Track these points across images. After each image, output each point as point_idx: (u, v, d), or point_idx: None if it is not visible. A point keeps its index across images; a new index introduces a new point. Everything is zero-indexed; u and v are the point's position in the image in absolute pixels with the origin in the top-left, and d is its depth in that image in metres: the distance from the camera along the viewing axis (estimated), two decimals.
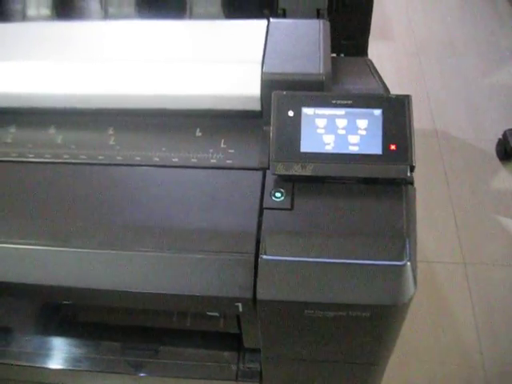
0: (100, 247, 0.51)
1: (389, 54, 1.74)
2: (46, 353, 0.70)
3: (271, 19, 0.66)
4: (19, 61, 0.64)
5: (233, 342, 0.66)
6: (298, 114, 0.54)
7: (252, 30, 0.64)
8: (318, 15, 0.78)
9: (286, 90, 0.56)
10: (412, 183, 0.53)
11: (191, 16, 0.76)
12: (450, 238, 1.29)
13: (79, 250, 0.52)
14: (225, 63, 0.60)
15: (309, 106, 0.54)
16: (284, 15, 0.78)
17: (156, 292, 0.50)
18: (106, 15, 0.78)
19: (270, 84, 0.57)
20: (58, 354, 0.70)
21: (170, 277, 0.50)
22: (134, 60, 0.62)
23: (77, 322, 0.71)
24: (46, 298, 0.58)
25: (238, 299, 0.49)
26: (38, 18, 0.79)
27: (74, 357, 0.70)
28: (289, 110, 0.54)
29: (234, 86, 0.59)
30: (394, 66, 1.70)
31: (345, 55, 0.96)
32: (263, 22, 0.65)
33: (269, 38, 0.62)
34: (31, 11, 0.79)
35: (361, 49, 0.94)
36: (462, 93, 1.63)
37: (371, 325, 0.52)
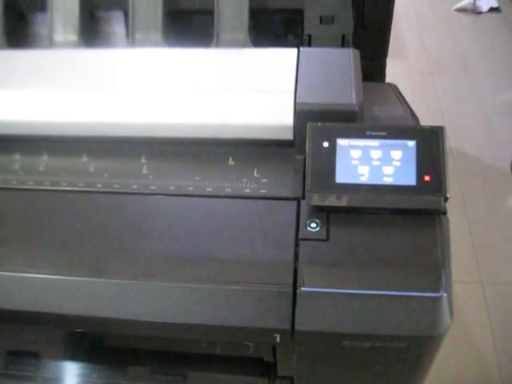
0: (137, 278, 0.51)
1: (403, 72, 1.75)
2: (74, 378, 0.70)
3: (301, 48, 0.66)
4: (50, 89, 0.64)
5: (264, 368, 0.66)
6: (333, 145, 0.54)
7: (282, 59, 0.65)
8: (343, 41, 0.78)
9: (319, 120, 0.56)
10: (445, 213, 0.54)
11: (218, 42, 0.76)
12: (467, 257, 1.29)
13: (117, 281, 0.52)
14: (257, 93, 0.61)
15: (343, 137, 0.55)
16: (309, 41, 0.79)
17: (194, 323, 0.51)
18: (132, 41, 0.78)
19: (303, 114, 0.58)
20: (86, 379, 0.71)
21: (208, 308, 0.51)
22: (166, 89, 0.62)
23: (104, 347, 0.71)
24: (84, 328, 0.58)
25: (276, 330, 0.50)
26: (65, 44, 0.80)
27: (102, 382, 0.70)
28: (324, 141, 0.55)
29: (266, 116, 0.59)
30: (409, 84, 1.71)
31: (363, 76, 0.96)
32: (293, 51, 0.66)
33: (300, 67, 0.63)
34: (58, 36, 0.80)
35: (378, 69, 0.95)
36: (476, 111, 1.64)
37: (407, 355, 0.52)
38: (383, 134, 0.55)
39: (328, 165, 0.54)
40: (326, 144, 0.55)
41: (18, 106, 0.63)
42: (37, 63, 0.70)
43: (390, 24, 0.92)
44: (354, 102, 0.58)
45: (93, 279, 0.52)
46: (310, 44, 0.79)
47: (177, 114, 0.61)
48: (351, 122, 0.57)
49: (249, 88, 0.62)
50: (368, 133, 0.55)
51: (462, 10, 2.16)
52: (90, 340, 0.72)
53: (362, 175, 0.54)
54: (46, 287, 0.54)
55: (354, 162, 0.54)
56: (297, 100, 0.58)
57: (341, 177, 0.54)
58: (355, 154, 0.55)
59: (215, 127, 0.61)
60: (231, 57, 0.69)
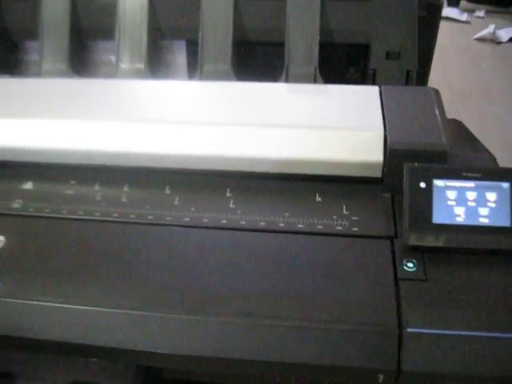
0: (237, 316, 0.52)
1: None
2: None
3: (382, 86, 0.67)
4: (130, 119, 0.65)
5: None
6: (430, 185, 0.55)
7: (365, 97, 0.66)
8: (408, 76, 0.79)
9: (409, 159, 0.57)
10: None
11: (288, 77, 0.77)
12: None
13: (215, 318, 0.52)
14: (344, 130, 0.61)
15: (440, 178, 0.55)
16: (374, 75, 0.79)
17: (297, 362, 0.51)
18: (201, 72, 0.79)
19: (394, 153, 0.58)
20: None
21: (311, 347, 0.51)
22: (252, 124, 0.63)
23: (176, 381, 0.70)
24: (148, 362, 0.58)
25: (381, 371, 0.50)
26: (132, 72, 0.80)
27: None
28: (421, 181, 0.55)
29: (355, 153, 0.60)
30: None
31: None
32: (374, 89, 0.67)
33: (385, 105, 0.63)
34: (125, 64, 0.81)
35: None
36: (501, 140, 1.65)
37: None
38: (478, 175, 0.56)
39: (425, 205, 0.54)
40: (422, 184, 0.55)
41: (107, 136, 0.63)
42: (120, 93, 0.70)
43: (432, 55, 0.93)
44: (444, 142, 0.58)
45: (191, 317, 0.52)
46: (374, 78, 0.80)
47: (265, 149, 0.61)
48: (441, 161, 0.58)
49: (335, 124, 0.62)
50: (464, 174, 0.55)
51: (482, 39, 2.18)
52: (153, 373, 0.72)
53: (458, 216, 0.55)
54: (133, 323, 0.53)
55: (450, 203, 0.55)
56: (388, 139, 0.58)
57: (438, 217, 0.54)
58: (451, 194, 0.55)
59: (303, 163, 0.61)
60: (309, 92, 0.70)
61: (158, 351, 0.52)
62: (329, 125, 0.62)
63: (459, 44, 2.12)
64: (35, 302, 0.54)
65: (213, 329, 0.52)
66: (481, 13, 2.41)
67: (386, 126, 0.60)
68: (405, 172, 0.55)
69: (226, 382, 0.67)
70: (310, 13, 0.77)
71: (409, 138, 0.59)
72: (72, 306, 0.54)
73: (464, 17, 2.37)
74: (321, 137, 0.61)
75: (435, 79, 1.98)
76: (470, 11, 2.41)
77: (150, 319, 0.52)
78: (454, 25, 2.29)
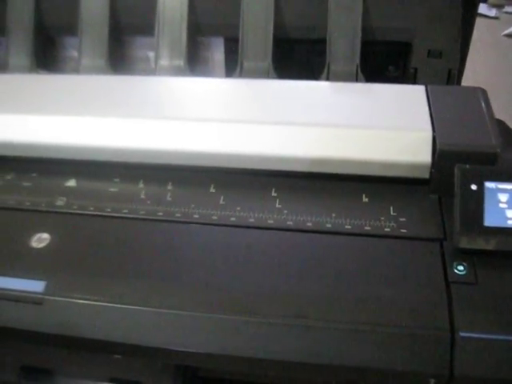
0: (290, 319, 0.51)
1: None
2: None
3: (429, 86, 0.66)
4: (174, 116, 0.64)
5: None
6: (481, 188, 0.54)
7: (410, 96, 0.65)
8: (449, 75, 0.78)
9: (459, 161, 0.56)
10: None
11: (329, 75, 0.76)
12: None
13: (269, 320, 0.51)
14: (391, 129, 0.60)
15: (491, 180, 0.55)
16: (415, 74, 0.79)
17: (349, 365, 0.50)
18: (240, 69, 0.79)
19: (444, 154, 0.57)
20: None
21: (362, 350, 0.50)
22: (298, 123, 0.62)
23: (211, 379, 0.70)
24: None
25: (433, 375, 0.49)
26: (170, 68, 0.80)
27: None
28: (472, 183, 0.54)
29: (402, 154, 0.59)
30: None
31: None
32: (420, 88, 0.66)
33: (432, 105, 0.63)
34: (163, 61, 0.80)
35: None
36: None
37: None
38: None
39: (476, 208, 0.54)
40: (474, 187, 0.54)
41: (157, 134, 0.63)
42: (158, 90, 0.70)
43: (467, 53, 0.92)
44: (494, 143, 0.57)
45: (238, 318, 0.52)
46: (415, 77, 0.79)
47: (311, 149, 0.61)
48: (492, 163, 0.57)
49: (382, 124, 0.61)
50: None
51: (511, 35, 2.16)
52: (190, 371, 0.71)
53: (510, 219, 0.54)
54: (178, 323, 0.53)
55: (501, 206, 0.54)
56: (438, 140, 0.58)
57: (489, 220, 0.54)
58: (503, 197, 0.54)
59: (349, 163, 0.61)
60: (354, 91, 0.69)
61: (203, 351, 0.52)
62: (375, 124, 0.61)
63: (488, 40, 2.10)
64: (79, 301, 0.54)
65: (262, 330, 0.51)
66: (510, 8, 2.38)
67: (435, 126, 0.59)
68: (456, 174, 0.55)
69: (264, 382, 0.67)
70: (352, 10, 0.76)
71: (458, 139, 0.58)
72: (115, 305, 0.54)
73: (493, 12, 2.35)
74: (367, 136, 0.60)
75: (464, 76, 1.96)
76: (499, 7, 2.38)
77: (196, 319, 0.52)
78: (483, 20, 2.26)
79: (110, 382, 0.71)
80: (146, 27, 0.82)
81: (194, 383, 0.71)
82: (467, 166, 0.55)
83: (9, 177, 0.67)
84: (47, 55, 0.90)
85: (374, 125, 0.61)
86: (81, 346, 0.56)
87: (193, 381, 0.70)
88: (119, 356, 0.61)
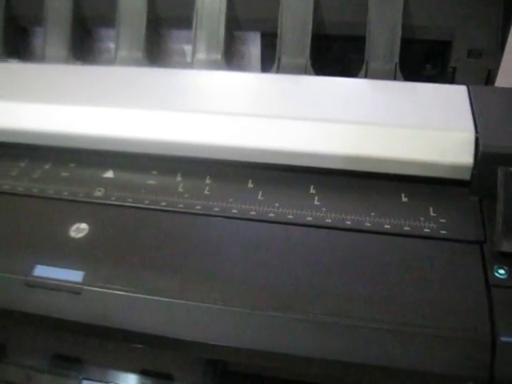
0: (331, 317, 0.51)
1: None
2: None
3: (471, 86, 0.65)
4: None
5: None
6: None
7: (453, 96, 0.64)
8: (489, 75, 0.77)
9: (501, 163, 0.56)
10: None
11: (367, 72, 0.76)
12: None
13: (304, 317, 0.51)
14: (432, 129, 0.60)
15: None
16: (453, 73, 0.78)
17: (384, 365, 0.50)
18: (278, 65, 0.78)
19: (486, 156, 0.57)
20: None
21: (400, 351, 0.50)
22: (339, 120, 0.62)
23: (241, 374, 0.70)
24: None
25: (472, 378, 0.49)
26: (208, 62, 0.80)
27: None
28: None
29: (444, 154, 0.59)
30: None
31: None
32: (462, 88, 0.65)
33: (474, 105, 0.62)
34: (200, 55, 0.80)
35: None
36: None
37: None
38: None
39: None
40: None
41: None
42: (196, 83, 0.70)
43: (503, 51, 0.91)
44: None
45: (278, 314, 0.52)
46: (453, 76, 0.78)
47: (351, 146, 0.61)
48: None
49: (423, 124, 0.61)
50: None
51: None
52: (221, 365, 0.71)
53: None
54: (216, 317, 0.53)
55: None
56: (481, 141, 0.57)
57: None
58: None
59: (390, 162, 0.60)
60: (394, 90, 0.69)
61: (240, 346, 0.52)
62: (417, 124, 0.60)
63: None
64: (117, 292, 0.54)
65: (299, 327, 0.51)
66: None
67: (477, 127, 0.59)
68: (499, 176, 0.54)
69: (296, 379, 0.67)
70: (392, 7, 0.75)
71: (502, 140, 0.57)
72: (152, 297, 0.54)
73: None
74: (409, 136, 0.60)
75: (502, 81, 1.94)
76: None
77: (233, 314, 0.52)
78: None
79: (141, 373, 0.71)
80: (184, 20, 0.82)
81: (224, 377, 0.71)
82: (510, 168, 0.54)
83: (47, 166, 0.67)
84: (83, 46, 0.90)
85: (415, 124, 0.61)
86: (115, 337, 0.56)
87: (223, 375, 0.70)
88: (151, 348, 0.61)
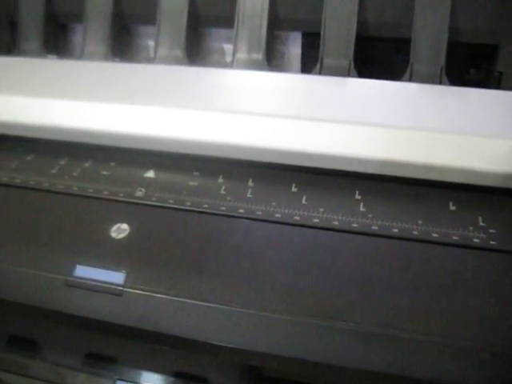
0: (375, 327, 0.50)
1: None
2: None
3: None
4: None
5: None
6: None
7: (505, 102, 0.63)
8: None
9: None
10: None
11: (412, 76, 0.74)
12: None
13: (350, 326, 0.50)
14: (485, 137, 0.58)
15: None
16: (499, 78, 0.76)
17: (413, 377, 0.49)
18: (321, 67, 0.77)
19: None
20: None
21: (428, 362, 0.49)
22: (387, 125, 0.60)
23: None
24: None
25: None
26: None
27: None
28: None
29: (495, 163, 0.57)
30: None
31: None
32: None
33: None
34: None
35: None
36: None
37: None
38: None
39: None
40: None
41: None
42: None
43: None
44: None
45: (319, 322, 0.51)
46: (499, 81, 0.76)
47: (398, 152, 0.59)
48: None
49: (474, 131, 0.59)
50: None
51: None
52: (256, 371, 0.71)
53: None
54: (256, 323, 0.53)
55: None
56: None
57: None
58: None
59: (439, 169, 0.59)
60: (443, 95, 0.67)
61: (278, 354, 0.51)
62: (467, 131, 0.59)
63: None
64: (158, 295, 0.53)
65: (339, 336, 0.50)
66: None
67: None
68: None
69: None
70: (439, 9, 0.74)
71: None
72: (192, 301, 0.54)
73: None
74: (459, 143, 0.58)
75: None
76: None
77: (273, 321, 0.51)
78: None
79: (175, 376, 0.70)
80: (225, 19, 0.81)
81: (260, 383, 0.70)
82: None
83: (87, 165, 0.67)
84: (122, 44, 0.89)
85: (465, 131, 0.59)
86: (155, 341, 0.55)
87: (258, 380, 0.69)
88: (189, 352, 0.60)
